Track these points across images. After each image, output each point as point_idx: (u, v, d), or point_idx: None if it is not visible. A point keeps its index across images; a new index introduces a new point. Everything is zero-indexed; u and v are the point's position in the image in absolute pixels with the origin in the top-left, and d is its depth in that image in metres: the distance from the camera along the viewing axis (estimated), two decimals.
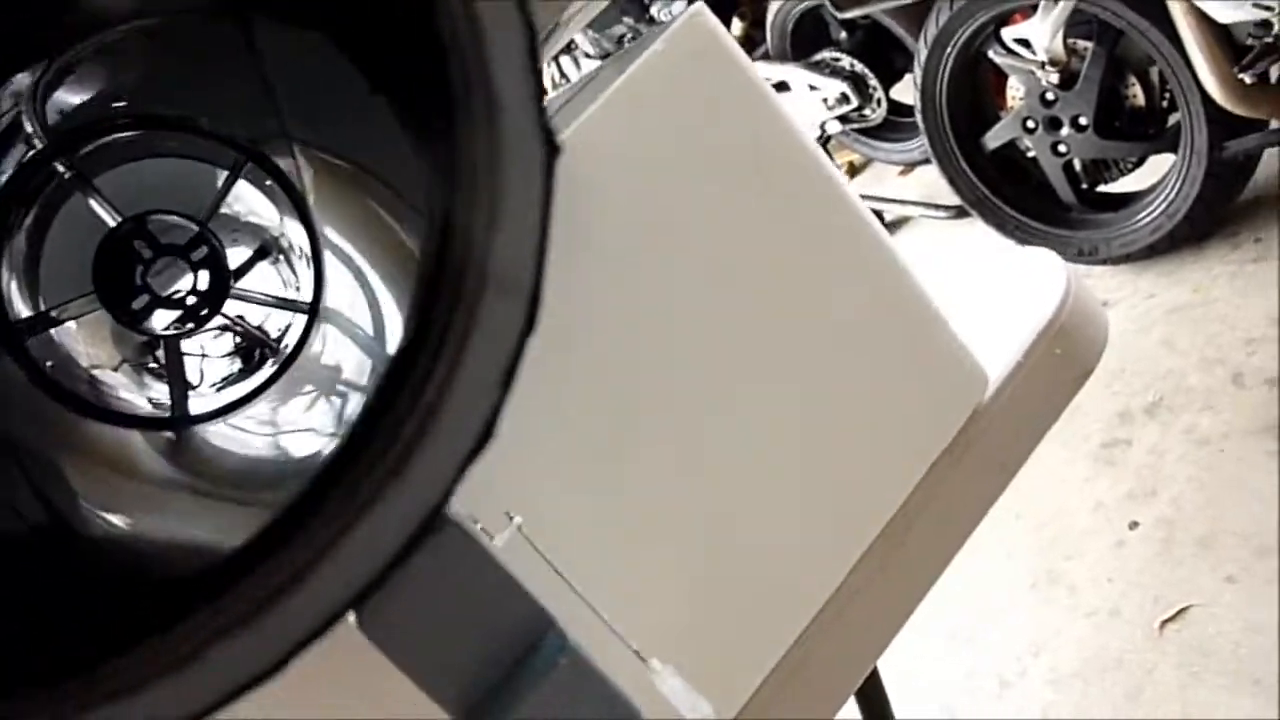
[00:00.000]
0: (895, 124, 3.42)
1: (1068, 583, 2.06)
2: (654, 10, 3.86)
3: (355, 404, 0.68)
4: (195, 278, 0.62)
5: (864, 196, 3.82)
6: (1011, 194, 2.75)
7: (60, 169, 0.55)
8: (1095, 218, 2.65)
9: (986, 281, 1.10)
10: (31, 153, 0.53)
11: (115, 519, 0.51)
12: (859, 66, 3.26)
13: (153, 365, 0.85)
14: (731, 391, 0.80)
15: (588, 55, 4.16)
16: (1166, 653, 1.79)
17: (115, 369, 0.72)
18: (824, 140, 3.44)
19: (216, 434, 0.61)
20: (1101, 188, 2.67)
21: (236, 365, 0.89)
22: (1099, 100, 2.42)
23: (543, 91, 0.18)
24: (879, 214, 3.68)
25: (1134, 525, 2.10)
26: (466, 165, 0.17)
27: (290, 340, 0.66)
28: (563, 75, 4.51)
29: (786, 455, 0.83)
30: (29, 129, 0.53)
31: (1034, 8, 2.36)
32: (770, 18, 3.41)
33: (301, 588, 0.19)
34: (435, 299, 0.19)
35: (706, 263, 0.79)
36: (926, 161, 3.10)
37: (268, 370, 0.67)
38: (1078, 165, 2.61)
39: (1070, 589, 2.05)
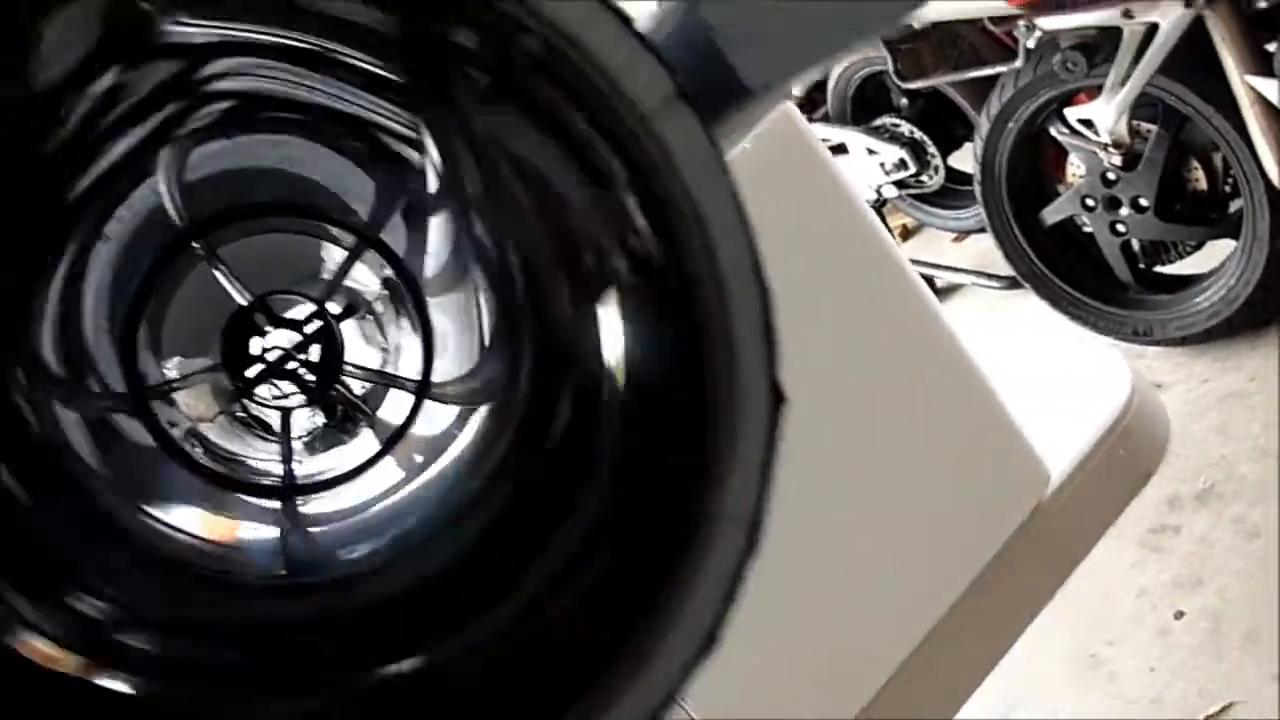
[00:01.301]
0: (951, 191, 3.44)
1: (1109, 669, 2.04)
2: None
3: (440, 472, 0.70)
4: (308, 351, 0.65)
5: (916, 262, 3.81)
6: (1067, 270, 2.75)
7: (197, 248, 0.59)
8: (1152, 299, 2.64)
9: (1051, 373, 1.11)
10: (173, 233, 0.57)
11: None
12: (918, 134, 3.28)
13: (240, 415, 0.88)
14: (802, 481, 0.82)
15: None
16: None
17: (212, 420, 0.76)
18: (879, 205, 3.47)
19: (315, 503, 0.64)
20: (1159, 269, 2.66)
21: (319, 419, 0.92)
22: (1161, 182, 2.43)
23: (776, 348, 0.21)
24: (930, 280, 3.69)
25: (1179, 615, 2.07)
26: (710, 418, 0.20)
27: (389, 413, 0.69)
28: None
29: (848, 544, 0.85)
30: (170, 210, 0.57)
31: (1099, 88, 2.38)
32: (831, 81, 3.45)
33: None
34: (674, 528, 0.21)
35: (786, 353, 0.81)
36: (981, 230, 3.11)
37: (369, 440, 0.70)
38: (1136, 245, 2.61)
39: (1111, 676, 2.02)
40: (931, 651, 0.86)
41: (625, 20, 0.20)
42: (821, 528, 0.86)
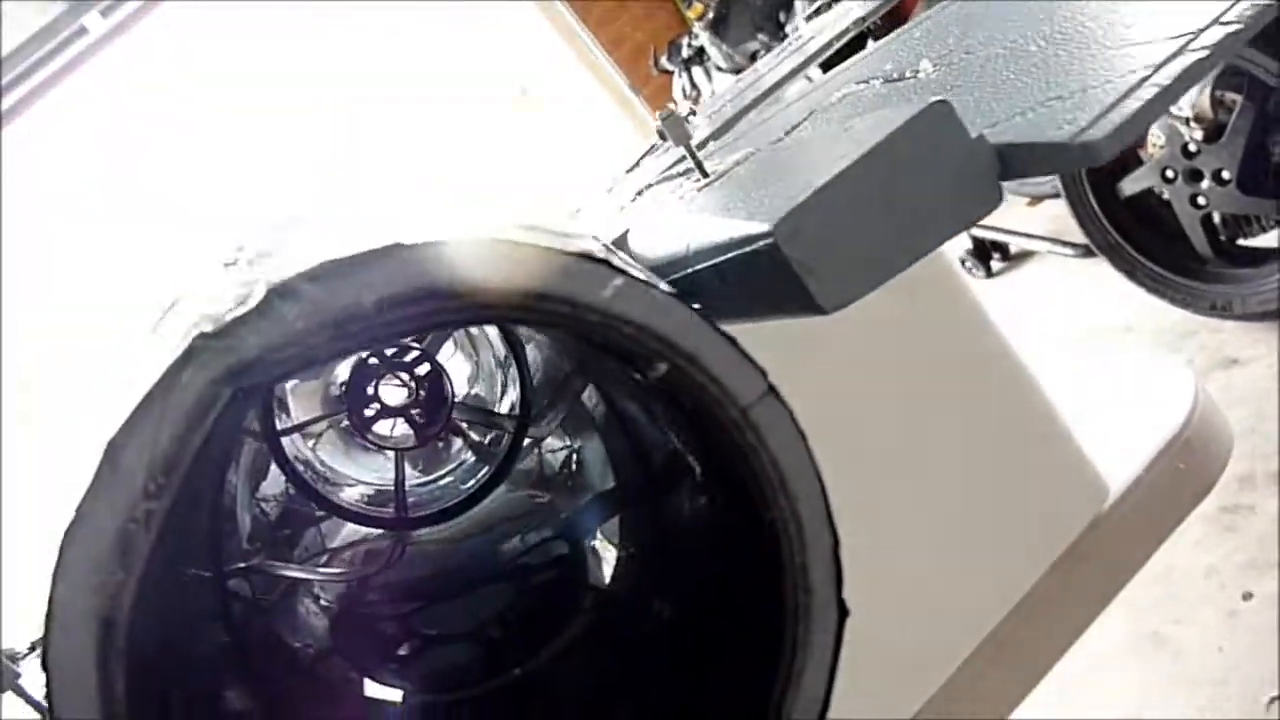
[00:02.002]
0: None
1: (1173, 648, 2.05)
2: (789, 28, 3.89)
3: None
4: (418, 392, 0.72)
5: (990, 227, 3.75)
6: (1144, 241, 2.71)
7: None
8: (1232, 272, 2.59)
9: (1114, 380, 1.13)
10: None
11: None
12: None
13: (344, 426, 0.95)
14: (862, 492, 0.86)
15: (719, 68, 4.21)
16: None
17: (320, 437, 0.83)
18: None
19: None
20: (1240, 242, 2.61)
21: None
22: (1244, 155, 2.37)
23: (842, 576, 0.25)
24: (1004, 246, 3.65)
25: (1248, 596, 2.07)
26: (788, 641, 0.24)
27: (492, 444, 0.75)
28: (693, 86, 4.56)
29: (904, 553, 0.89)
30: None
31: None
32: None
33: None
34: (751, 710, 0.26)
35: (855, 370, 0.85)
36: (1055, 195, 3.07)
37: (463, 454, 0.76)
38: (1217, 219, 2.56)
39: (1175, 654, 2.04)
40: (986, 657, 0.90)
41: (727, 338, 0.25)
42: (878, 537, 0.91)
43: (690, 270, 0.40)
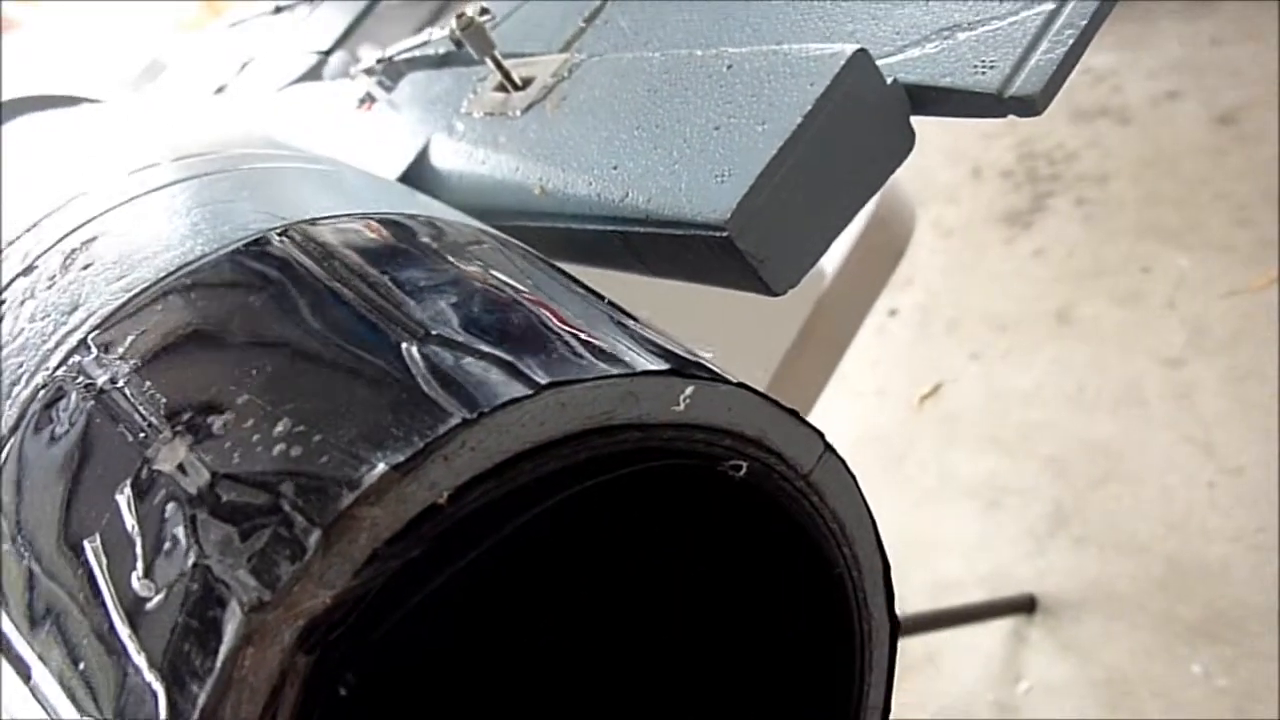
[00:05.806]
0: None
1: (840, 370, 2.36)
2: None
3: None
4: None
5: None
6: None
7: None
8: None
9: None
10: None
11: None
12: None
13: None
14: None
15: None
16: (925, 424, 2.14)
17: None
18: None
19: None
20: None
21: None
22: None
23: (893, 597, 0.27)
24: None
25: (893, 312, 2.41)
26: (857, 665, 0.27)
27: None
28: None
29: None
30: None
31: None
32: None
33: None
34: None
35: None
36: None
37: None
38: None
39: (841, 376, 2.35)
40: None
41: (789, 411, 0.26)
42: None
43: (613, 229, 0.39)
